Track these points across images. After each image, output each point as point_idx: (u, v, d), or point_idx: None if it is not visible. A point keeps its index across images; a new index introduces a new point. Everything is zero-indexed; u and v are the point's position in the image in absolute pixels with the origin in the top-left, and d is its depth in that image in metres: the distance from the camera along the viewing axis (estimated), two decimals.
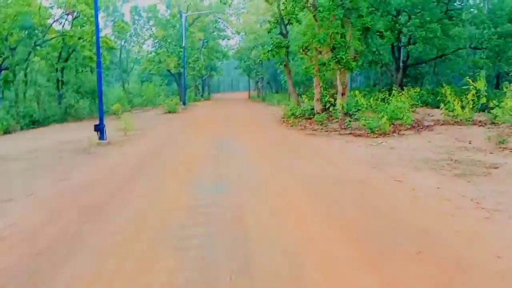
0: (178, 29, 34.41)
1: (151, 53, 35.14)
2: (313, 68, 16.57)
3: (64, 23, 21.00)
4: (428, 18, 21.66)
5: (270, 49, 18.11)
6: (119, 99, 34.23)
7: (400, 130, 13.34)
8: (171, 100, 26.70)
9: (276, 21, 18.74)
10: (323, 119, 15.39)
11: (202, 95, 47.04)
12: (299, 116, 17.28)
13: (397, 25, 22.44)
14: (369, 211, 5.00)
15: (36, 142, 12.22)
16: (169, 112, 25.55)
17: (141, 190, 6.19)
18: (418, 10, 22.02)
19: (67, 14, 19.51)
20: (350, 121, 14.71)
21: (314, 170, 7.32)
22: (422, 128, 13.78)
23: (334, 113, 15.81)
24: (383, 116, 12.94)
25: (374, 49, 19.81)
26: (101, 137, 11.04)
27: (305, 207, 5.18)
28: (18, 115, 18.66)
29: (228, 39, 44.59)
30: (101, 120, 10.96)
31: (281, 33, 18.64)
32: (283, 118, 18.56)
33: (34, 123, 18.68)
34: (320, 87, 16.96)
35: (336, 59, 14.18)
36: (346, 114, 15.44)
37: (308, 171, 7.23)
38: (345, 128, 14.38)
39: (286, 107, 21.32)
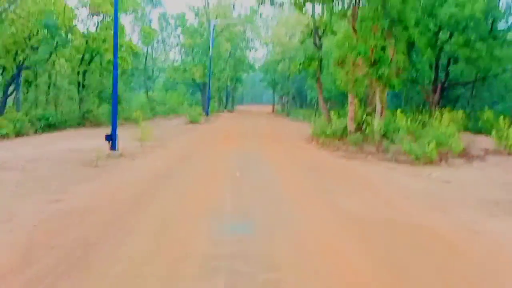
0: (205, 38, 33.69)
1: (177, 61, 34.50)
2: (349, 84, 15.13)
3: (89, 25, 20.37)
4: (473, 37, 20.00)
5: (302, 61, 16.81)
6: (142, 106, 33.76)
7: (448, 159, 11.71)
8: (194, 110, 25.69)
9: (309, 32, 17.48)
10: (358, 141, 13.87)
11: (225, 107, 46.14)
12: (330, 135, 15.80)
13: (438, 42, 20.83)
14: (455, 283, 3.51)
15: (43, 148, 11.19)
16: (191, 122, 24.51)
17: (143, 226, 4.85)
18: (462, 27, 20.36)
19: (92, 15, 18.79)
20: (387, 144, 13.20)
21: (362, 208, 5.84)
22: (472, 158, 12.12)
23: (369, 134, 14.29)
24: (430, 142, 11.34)
25: (419, 67, 18.21)
26: (113, 147, 9.88)
27: (363, 270, 3.71)
28: (35, 117, 17.96)
29: (256, 50, 43.73)
30: (113, 128, 9.82)
31: (314, 44, 17.34)
32: (312, 136, 17.12)
33: (50, 127, 17.89)
34: (355, 104, 15.48)
35: (378, 75, 12.72)
36: (383, 136, 13.92)
37: (355, 209, 5.75)
38: (383, 152, 12.84)
39: (314, 124, 19.89)
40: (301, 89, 40.62)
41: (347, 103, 16.45)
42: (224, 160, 10.33)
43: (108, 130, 10.42)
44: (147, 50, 34.62)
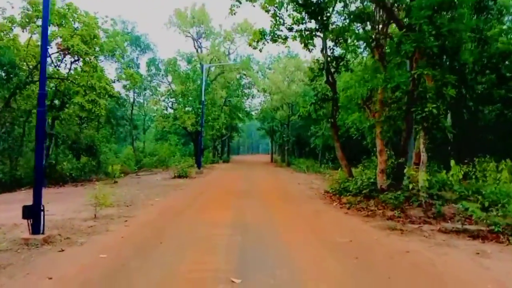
0: (198, 85, 30.96)
1: (166, 108, 31.43)
2: (378, 127, 11.79)
3: (58, 65, 17.23)
4: (509, 74, 17.22)
5: (313, 101, 13.60)
6: (127, 158, 30.16)
7: None
8: (183, 162, 22.04)
9: (320, 67, 14.40)
10: (399, 201, 10.21)
11: (220, 157, 42.60)
12: (355, 192, 12.19)
13: (470, 80, 17.87)
14: None
15: None
16: (179, 176, 20.78)
17: None
18: (493, 65, 17.56)
19: (60, 52, 15.72)
20: (439, 205, 9.60)
21: None
22: None
23: (405, 190, 10.77)
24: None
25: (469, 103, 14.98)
26: (34, 228, 6.11)
27: None
28: None
29: (252, 97, 40.93)
30: (36, 197, 6.09)
31: (327, 83, 14.22)
32: (330, 193, 13.49)
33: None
34: (386, 153, 12.02)
35: (424, 114, 9.39)
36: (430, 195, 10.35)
37: None
38: (434, 217, 9.24)
39: (330, 177, 16.34)
40: (302, 136, 37.62)
41: (374, 152, 13.07)
42: (214, 244, 6.53)
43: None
44: (133, 97, 31.66)
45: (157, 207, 10.42)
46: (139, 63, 31.25)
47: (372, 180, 12.14)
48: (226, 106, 36.45)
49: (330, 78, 14.21)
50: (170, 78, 34.00)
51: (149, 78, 33.37)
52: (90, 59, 15.66)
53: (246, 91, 40.21)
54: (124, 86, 25.12)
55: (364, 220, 9.10)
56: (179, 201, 11.80)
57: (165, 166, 29.60)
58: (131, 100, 31.52)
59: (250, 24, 31.63)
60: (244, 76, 36.33)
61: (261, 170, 31.38)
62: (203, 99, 25.42)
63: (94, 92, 15.99)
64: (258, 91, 38.68)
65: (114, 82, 21.45)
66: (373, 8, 12.95)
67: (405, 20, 10.46)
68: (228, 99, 36.39)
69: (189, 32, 32.49)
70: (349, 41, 13.26)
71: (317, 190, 16.05)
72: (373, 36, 11.01)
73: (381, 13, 12.46)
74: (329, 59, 14.25)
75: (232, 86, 36.59)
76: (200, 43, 32.76)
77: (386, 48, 11.38)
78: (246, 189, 15.62)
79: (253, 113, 44.46)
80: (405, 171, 10.38)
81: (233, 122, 42.26)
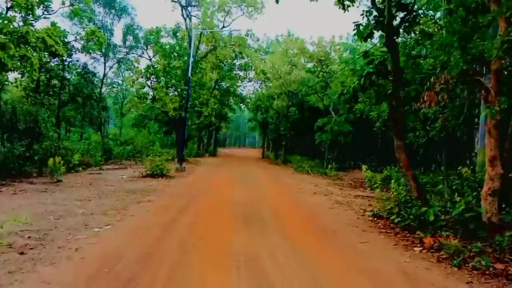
0: (184, 61, 25.42)
1: (143, 87, 25.68)
2: (495, 118, 6.74)
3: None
4: None
5: (370, 71, 8.44)
6: (94, 147, 24.51)
7: None
8: (158, 156, 16.59)
9: (377, 20, 9.19)
10: None
11: (206, 150, 37.13)
12: (441, 225, 7.13)
13: None
14: None
15: None
16: (152, 175, 15.36)
17: None
18: None
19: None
20: None
21: None
22: None
23: None
24: None
25: None
26: None
27: None
28: None
29: (249, 80, 35.31)
30: None
31: (387, 45, 9.06)
32: (386, 219, 8.45)
33: None
34: (501, 165, 6.97)
35: None
36: None
37: None
38: None
39: (380, 193, 11.33)
40: (299, 130, 32.68)
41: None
42: None
43: None
44: (104, 71, 25.84)
45: (84, 256, 5.00)
46: (113, 30, 25.40)
47: (475, 209, 7.07)
48: (216, 90, 30.87)
49: (390, 40, 9.00)
50: (150, 52, 28.30)
51: (125, 51, 27.53)
52: None
53: (241, 73, 34.53)
54: (85, 47, 19.31)
55: None
56: (137, 234, 6.37)
57: (140, 159, 24.15)
58: (102, 74, 25.72)
59: None
60: (239, 55, 30.73)
61: (257, 168, 26.13)
62: (189, 75, 19.90)
63: (26, 46, 10.45)
64: (256, 73, 33.10)
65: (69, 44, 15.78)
66: None
67: None
68: (219, 82, 30.83)
69: None
70: None
71: (348, 206, 11.03)
72: None
73: None
74: (391, 9, 9.04)
75: (225, 66, 31.01)
76: (190, 12, 27.05)
77: None
78: (249, 204, 10.38)
79: (247, 100, 38.84)
80: None
81: (223, 111, 36.74)
